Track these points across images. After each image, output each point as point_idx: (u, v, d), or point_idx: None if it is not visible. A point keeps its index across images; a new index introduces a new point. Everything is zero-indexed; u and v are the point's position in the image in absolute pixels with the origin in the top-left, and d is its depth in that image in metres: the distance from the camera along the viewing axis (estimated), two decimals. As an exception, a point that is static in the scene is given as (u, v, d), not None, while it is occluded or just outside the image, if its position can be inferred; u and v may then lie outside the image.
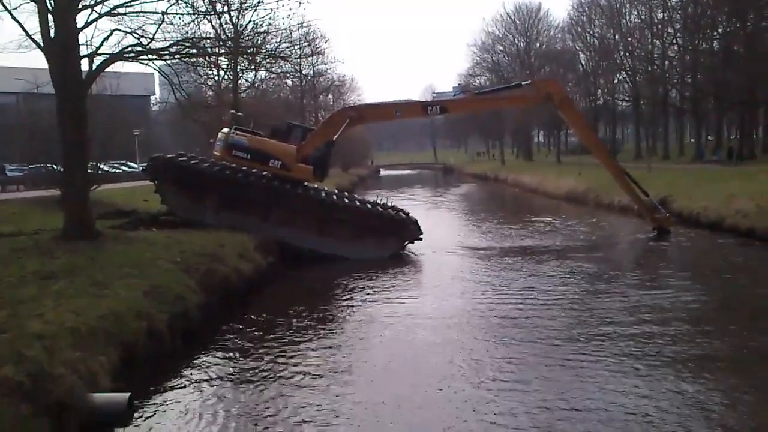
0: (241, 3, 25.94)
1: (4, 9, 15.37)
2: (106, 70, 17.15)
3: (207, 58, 23.41)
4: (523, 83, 27.54)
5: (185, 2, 18.72)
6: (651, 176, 34.79)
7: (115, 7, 16.24)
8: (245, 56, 26.77)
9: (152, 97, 78.28)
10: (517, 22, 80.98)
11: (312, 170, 21.97)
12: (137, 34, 16.73)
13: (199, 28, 28.74)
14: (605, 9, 67.59)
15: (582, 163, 50.91)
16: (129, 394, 7.94)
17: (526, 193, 50.40)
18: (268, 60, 27.70)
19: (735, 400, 8.71)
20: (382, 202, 23.16)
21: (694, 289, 15.51)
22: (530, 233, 26.36)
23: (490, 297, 15.14)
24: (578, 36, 74.25)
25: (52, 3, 15.12)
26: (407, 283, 17.55)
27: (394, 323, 13.10)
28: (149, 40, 17.05)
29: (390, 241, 21.60)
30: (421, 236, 22.05)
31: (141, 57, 17.27)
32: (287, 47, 39.94)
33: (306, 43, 49.96)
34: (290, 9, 50.39)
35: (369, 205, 22.45)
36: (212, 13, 22.91)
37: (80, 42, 15.78)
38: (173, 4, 17.71)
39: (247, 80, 43.26)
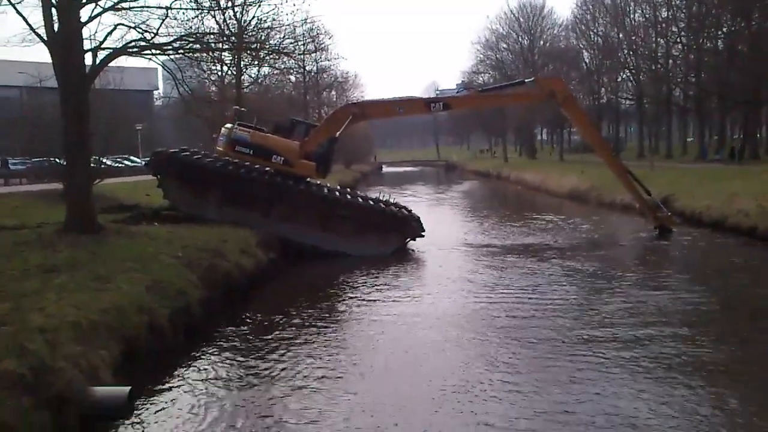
0: (245, -1, 25.90)
1: (8, 3, 15.38)
2: (109, 64, 17.16)
3: (210, 54, 23.43)
4: (526, 80, 27.53)
5: (189, -3, 18.75)
6: (653, 175, 34.75)
7: (119, 1, 16.24)
8: (249, 52, 26.74)
9: (155, 92, 78.38)
10: (521, 19, 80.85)
11: (315, 166, 21.97)
12: (141, 28, 16.75)
13: (203, 23, 28.87)
14: (609, 7, 67.42)
15: (585, 162, 50.92)
16: (129, 387, 7.95)
17: (529, 191, 50.37)
18: (271, 56, 27.68)
19: (735, 404, 8.66)
20: (384, 199, 23.18)
21: (695, 288, 15.48)
22: (532, 231, 26.35)
23: (491, 295, 15.13)
24: (582, 34, 74.11)
25: (56, -3, 15.14)
26: (408, 280, 17.53)
27: (395, 321, 13.11)
28: (153, 35, 17.06)
29: (392, 237, 21.61)
30: (423, 233, 22.07)
31: (144, 52, 17.27)
32: (291, 43, 39.94)
33: (309, 40, 49.87)
34: (294, 5, 50.19)
35: (371, 202, 22.47)
36: (216, 8, 22.99)
37: (84, 36, 15.80)
38: (177, -1, 17.73)
39: (250, 76, 43.23)
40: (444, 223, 29.26)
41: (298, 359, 10.77)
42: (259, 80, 45.62)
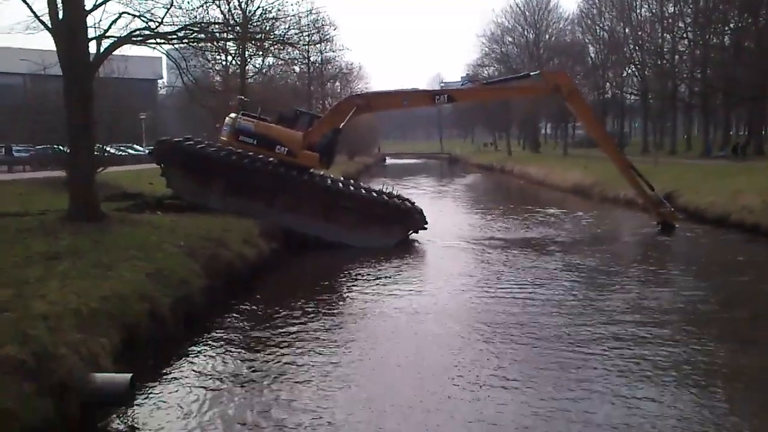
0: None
1: (12, -11, 15.37)
2: (113, 53, 17.13)
3: (215, 43, 23.40)
4: (531, 74, 27.45)
5: (194, -14, 18.71)
6: (657, 170, 34.65)
7: (124, -11, 16.21)
8: (253, 42, 26.70)
9: (159, 81, 78.28)
10: (527, 13, 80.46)
11: (318, 157, 21.95)
12: (146, 17, 16.74)
13: (207, 12, 28.89)
14: (616, 2, 67.04)
15: (589, 156, 50.79)
16: (131, 375, 7.97)
17: (532, 185, 50.28)
18: (276, 46, 27.57)
19: (733, 404, 8.62)
20: (387, 191, 23.18)
21: (696, 285, 15.44)
22: (535, 225, 26.34)
23: (492, 289, 15.12)
24: (588, 29, 73.82)
25: (61, -16, 15.09)
26: (410, 273, 17.55)
27: (396, 314, 13.11)
28: (157, 24, 17.04)
29: (395, 229, 21.62)
30: (426, 226, 22.08)
31: (149, 41, 17.24)
32: (295, 34, 39.78)
33: (314, 30, 49.78)
34: (299, -4, 50.21)
35: (375, 194, 22.48)
36: (221, -2, 22.84)
37: (88, 24, 15.75)
38: (182, -12, 17.68)
39: (254, 66, 43.22)
40: (446, 216, 29.25)
41: (297, 350, 10.79)
42: (264, 70, 45.61)
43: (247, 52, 36.07)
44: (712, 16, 53.06)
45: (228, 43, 26.80)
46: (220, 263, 14.54)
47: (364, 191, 22.55)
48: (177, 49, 19.85)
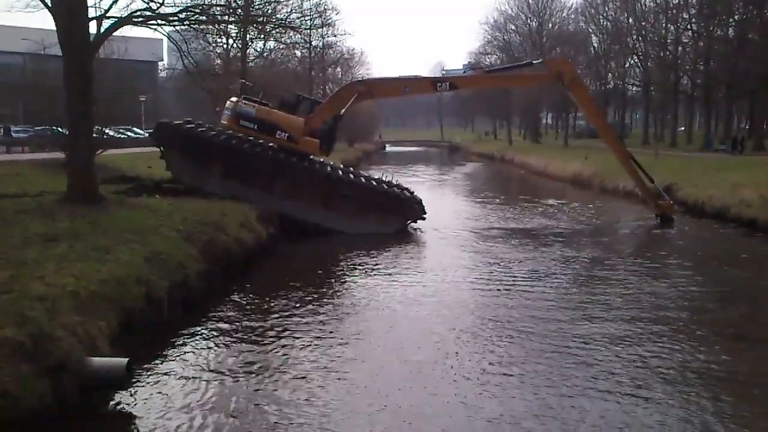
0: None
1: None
2: (113, 33, 17.02)
3: (216, 26, 23.28)
4: (534, 62, 27.32)
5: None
6: (658, 163, 34.62)
7: (125, -31, 16.09)
8: (255, 25, 26.57)
9: (160, 63, 77.87)
10: (530, 1, 79.98)
11: (319, 144, 21.86)
12: (147, -2, 16.59)
13: (209, -6, 28.56)
14: (620, -8, 66.81)
15: (589, 147, 50.72)
16: (128, 359, 7.98)
17: (532, 175, 50.23)
18: (277, 30, 27.51)
19: (730, 403, 8.54)
20: (387, 180, 23.13)
21: (693, 279, 15.36)
22: (534, 216, 26.33)
23: (488, 280, 15.10)
24: (591, 18, 73.53)
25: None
26: (407, 261, 17.55)
27: (392, 302, 13.13)
28: (159, 5, 16.94)
29: (393, 219, 21.61)
30: (424, 216, 22.06)
31: (150, 22, 17.14)
32: (297, 17, 39.71)
33: (316, 14, 49.62)
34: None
35: (374, 182, 22.43)
36: (223, -21, 22.65)
37: (89, 4, 15.65)
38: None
39: (255, 50, 43.08)
40: (446, 205, 29.26)
41: (293, 335, 10.80)
42: (265, 54, 45.43)
43: (248, 36, 35.95)
44: (717, 8, 52.76)
45: (229, 26, 26.68)
46: (218, 248, 14.51)
47: (363, 179, 22.49)
48: (178, 31, 19.75)
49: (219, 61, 42.98)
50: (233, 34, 34.79)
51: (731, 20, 53.57)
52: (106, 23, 16.21)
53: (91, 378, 7.73)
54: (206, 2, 19.33)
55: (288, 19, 34.44)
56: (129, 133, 47.53)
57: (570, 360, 9.72)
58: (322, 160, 22.96)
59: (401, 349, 10.26)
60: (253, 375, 9.12)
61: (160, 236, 13.32)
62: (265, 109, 21.89)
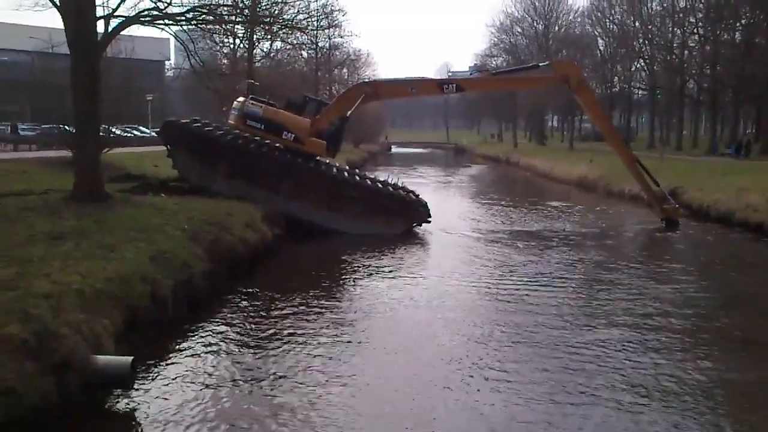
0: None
1: (21, -34, 15.30)
2: (121, 33, 17.07)
3: (223, 26, 23.28)
4: (541, 64, 27.28)
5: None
6: (663, 166, 34.51)
7: (133, -31, 16.13)
8: (262, 25, 26.59)
9: (167, 63, 78.12)
10: (537, 4, 79.99)
11: (325, 145, 21.84)
12: (154, -3, 16.64)
13: (216, -6, 28.61)
14: (627, -5, 66.71)
15: (595, 150, 50.60)
16: (132, 357, 7.99)
17: (538, 178, 50.15)
18: (284, 30, 27.45)
19: (729, 403, 8.60)
20: (392, 182, 23.12)
21: (698, 284, 15.29)
22: (539, 218, 26.27)
23: (493, 282, 15.04)
24: (598, 21, 73.45)
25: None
26: (412, 262, 17.55)
27: (396, 303, 13.12)
28: (166, 5, 16.99)
29: (398, 221, 21.60)
30: (429, 219, 22.04)
31: (157, 21, 17.19)
32: (304, 18, 39.71)
33: (323, 15, 49.66)
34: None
35: (380, 185, 22.41)
36: (230, -20, 22.68)
37: (96, 3, 15.70)
38: (191, -31, 17.58)
39: (262, 50, 43.13)
40: (451, 207, 29.22)
41: (298, 336, 10.80)
42: (271, 55, 45.47)
43: (255, 36, 35.95)
44: (724, 12, 52.64)
45: (236, 26, 26.68)
46: (223, 247, 14.52)
47: (369, 182, 22.48)
48: (185, 31, 19.81)
49: (226, 61, 43.05)
50: (240, 34, 34.84)
51: (738, 24, 53.46)
52: (113, 22, 16.29)
53: (95, 376, 7.73)
54: (213, 2, 19.40)
55: (295, 20, 34.40)
56: (135, 132, 47.71)
57: (574, 365, 9.66)
58: (328, 161, 22.97)
59: (405, 353, 10.24)
60: (258, 375, 9.11)
61: (165, 235, 13.34)
62: (272, 109, 21.91)
